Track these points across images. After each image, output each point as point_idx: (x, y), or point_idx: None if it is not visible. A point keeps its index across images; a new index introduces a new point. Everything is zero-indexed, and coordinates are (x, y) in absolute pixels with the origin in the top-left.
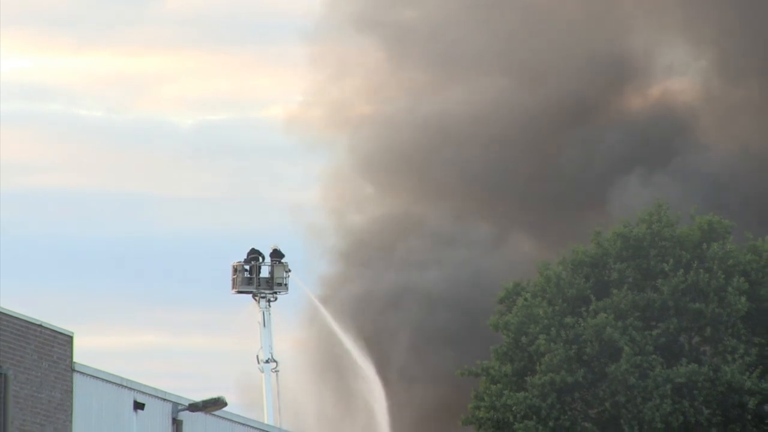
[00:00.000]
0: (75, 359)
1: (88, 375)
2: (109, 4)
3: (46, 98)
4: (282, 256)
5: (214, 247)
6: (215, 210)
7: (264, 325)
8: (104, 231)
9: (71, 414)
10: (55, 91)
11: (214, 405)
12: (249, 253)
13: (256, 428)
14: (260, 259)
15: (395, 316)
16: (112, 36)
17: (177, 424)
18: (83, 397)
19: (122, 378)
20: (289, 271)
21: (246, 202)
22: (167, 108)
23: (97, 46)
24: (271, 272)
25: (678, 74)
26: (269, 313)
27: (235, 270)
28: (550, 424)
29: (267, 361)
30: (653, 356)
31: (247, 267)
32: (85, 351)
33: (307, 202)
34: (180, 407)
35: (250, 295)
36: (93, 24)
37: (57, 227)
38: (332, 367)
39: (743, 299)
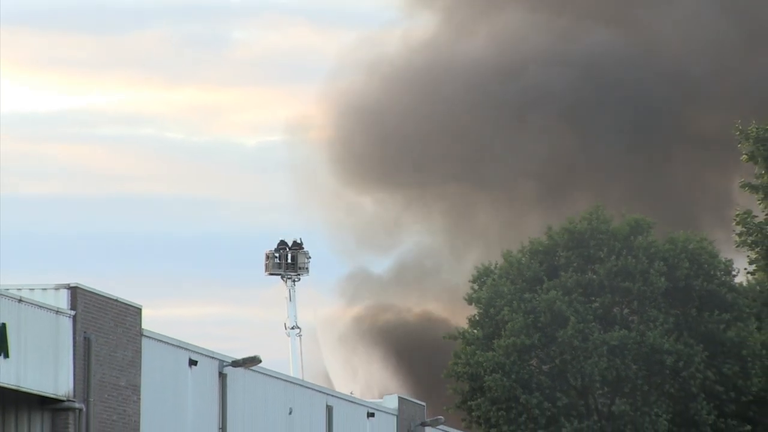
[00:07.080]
0: (143, 326)
1: (153, 339)
2: (190, 50)
3: (139, 124)
4: (301, 246)
5: (260, 239)
6: (263, 211)
7: (290, 300)
8: (181, 228)
9: (140, 369)
10: (147, 118)
11: (251, 362)
12: (279, 244)
13: (284, 380)
14: (287, 248)
15: None
16: (193, 74)
17: (222, 377)
18: (149, 356)
19: (180, 341)
20: (310, 258)
21: (288, 204)
22: (235, 131)
23: (181, 82)
24: (294, 258)
25: None
26: (294, 290)
27: (267, 257)
28: (513, 376)
29: (293, 328)
30: (592, 324)
31: (276, 254)
32: (159, 319)
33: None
34: (225, 363)
35: (279, 277)
36: (178, 65)
37: (144, 225)
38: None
39: (662, 279)
